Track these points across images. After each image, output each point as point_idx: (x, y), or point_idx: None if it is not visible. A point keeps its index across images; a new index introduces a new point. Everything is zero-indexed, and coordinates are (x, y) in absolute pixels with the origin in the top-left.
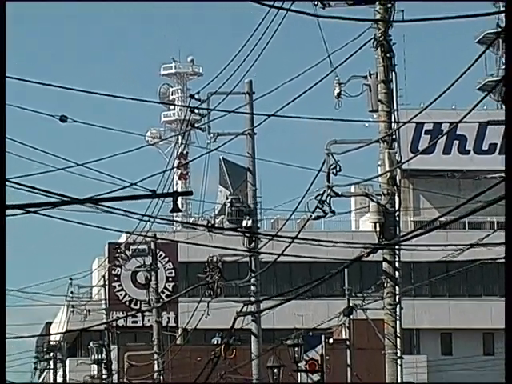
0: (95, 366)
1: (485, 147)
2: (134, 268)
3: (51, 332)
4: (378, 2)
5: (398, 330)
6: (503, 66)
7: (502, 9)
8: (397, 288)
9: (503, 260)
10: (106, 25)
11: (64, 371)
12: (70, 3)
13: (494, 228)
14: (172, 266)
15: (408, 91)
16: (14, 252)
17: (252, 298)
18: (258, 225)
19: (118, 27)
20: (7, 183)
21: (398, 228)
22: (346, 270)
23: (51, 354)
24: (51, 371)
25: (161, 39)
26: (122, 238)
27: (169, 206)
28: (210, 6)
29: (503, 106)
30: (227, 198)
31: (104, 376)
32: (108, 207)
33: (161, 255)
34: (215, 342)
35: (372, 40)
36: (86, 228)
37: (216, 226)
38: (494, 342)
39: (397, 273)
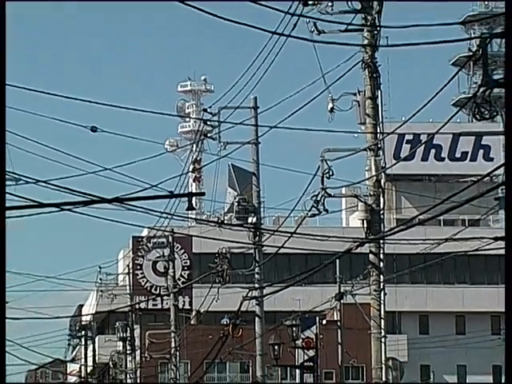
0: (120, 343)
1: (458, 155)
2: (154, 258)
3: (83, 313)
4: (365, 30)
5: (382, 313)
6: (474, 85)
7: (474, 35)
8: (381, 276)
9: (474, 252)
10: (132, 48)
11: (93, 347)
12: (99, 25)
13: (465, 225)
14: (187, 257)
15: (391, 106)
16: (51, 244)
17: (256, 285)
18: (262, 221)
19: (142, 50)
20: (46, 184)
21: (382, 224)
22: (337, 260)
23: (83, 332)
24: (82, 347)
25: (178, 61)
26: (144, 233)
27: (184, 205)
28: (221, 32)
29: (474, 120)
30: (235, 198)
31: (128, 352)
32: (132, 206)
33: (177, 247)
34: (224, 323)
35: (360, 62)
36: (113, 223)
37: (225, 222)
38: (465, 323)
39: (381, 263)
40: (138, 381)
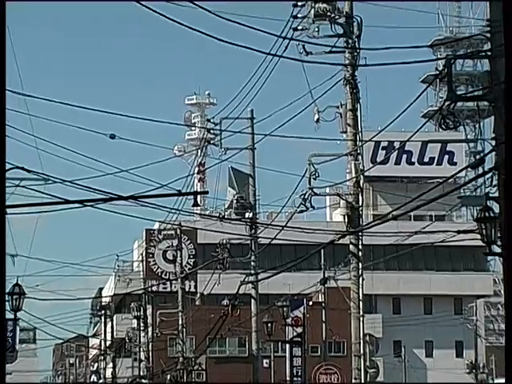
0: (135, 321)
1: (426, 160)
2: (164, 248)
3: (103, 295)
4: (347, 51)
5: (360, 295)
6: (440, 99)
7: (440, 57)
8: (360, 264)
9: (439, 243)
10: (147, 64)
11: (112, 324)
12: (118, 40)
13: (432, 220)
14: (192, 247)
15: (369, 117)
16: (76, 235)
17: (252, 271)
18: (257, 216)
19: (156, 67)
20: (71, 184)
21: (360, 219)
22: (322, 250)
23: (102, 311)
24: (102, 324)
25: (186, 77)
26: (156, 226)
27: (190, 202)
28: (223, 52)
29: (440, 129)
30: (234, 197)
31: (141, 328)
32: (145, 202)
33: (184, 238)
34: (224, 304)
35: (343, 79)
36: (129, 218)
37: (225, 217)
38: (431, 305)
39: (360, 253)
40: (150, 354)
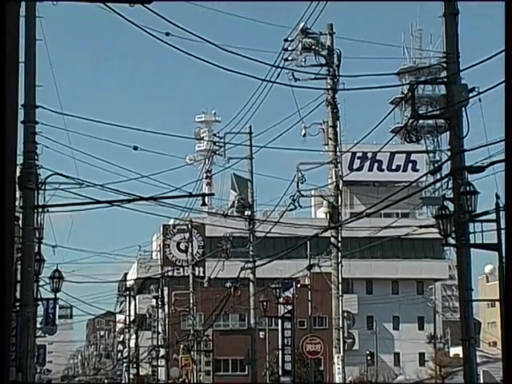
0: (154, 300)
1: (393, 167)
2: (178, 240)
3: (127, 279)
4: (328, 78)
5: (339, 279)
6: (405, 118)
7: (405, 83)
8: (339, 253)
9: (405, 236)
10: (165, 87)
11: (135, 303)
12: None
13: (398, 217)
14: (201, 239)
15: (347, 132)
16: (105, 229)
17: (250, 259)
18: (254, 214)
19: (172, 90)
20: (101, 187)
21: (340, 216)
22: (308, 242)
23: (127, 292)
24: (127, 303)
25: (197, 98)
26: (171, 222)
27: (199, 202)
28: (227, 79)
29: (405, 142)
30: (235, 198)
31: (159, 306)
32: (162, 202)
33: (194, 232)
34: (227, 286)
35: (325, 101)
36: (149, 215)
37: (228, 214)
38: (398, 286)
39: (339, 244)
40: (166, 327)
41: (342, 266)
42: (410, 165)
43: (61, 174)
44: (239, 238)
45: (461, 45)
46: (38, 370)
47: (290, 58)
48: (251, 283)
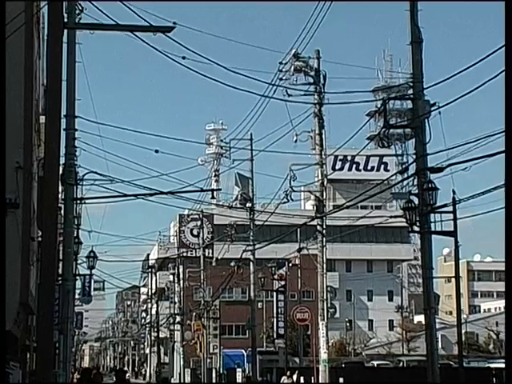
0: (171, 276)
1: (369, 168)
2: (191, 227)
3: (150, 258)
4: (315, 94)
5: (324, 259)
6: (378, 127)
7: (379, 98)
8: (324, 238)
9: (378, 224)
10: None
11: (156, 278)
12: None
13: (373, 208)
14: (210, 226)
15: (331, 138)
16: (130, 219)
17: (250, 243)
18: (254, 206)
19: (188, 103)
20: (129, 183)
21: (325, 208)
22: (298, 229)
23: (149, 269)
24: (149, 278)
25: (207, 112)
26: (186, 212)
27: (209, 196)
28: (231, 94)
29: (378, 147)
30: (239, 192)
31: (176, 281)
32: (179, 196)
33: (205, 221)
34: (232, 265)
35: (313, 113)
36: (168, 206)
37: (233, 206)
38: (372, 266)
39: (324, 231)
40: (182, 298)
41: (326, 248)
42: (383, 166)
43: (95, 172)
44: (242, 225)
45: (426, 64)
46: (77, 333)
47: (284, 78)
48: (251, 263)
